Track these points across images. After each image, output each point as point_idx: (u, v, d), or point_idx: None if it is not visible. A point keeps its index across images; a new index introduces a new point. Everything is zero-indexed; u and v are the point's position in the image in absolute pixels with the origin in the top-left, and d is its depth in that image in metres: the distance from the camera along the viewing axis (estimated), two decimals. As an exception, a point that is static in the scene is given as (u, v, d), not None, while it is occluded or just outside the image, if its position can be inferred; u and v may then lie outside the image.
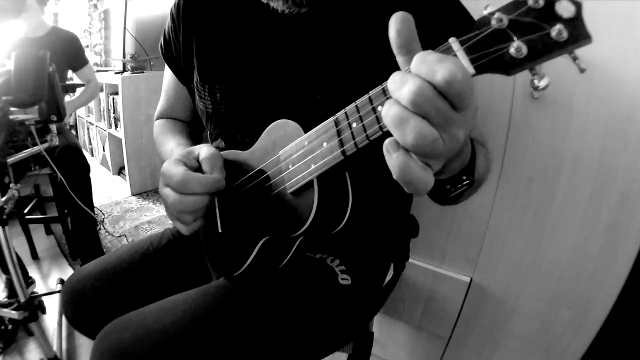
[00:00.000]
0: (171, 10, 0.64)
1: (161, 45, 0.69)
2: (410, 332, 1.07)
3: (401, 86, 0.27)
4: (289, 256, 0.52)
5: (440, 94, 0.26)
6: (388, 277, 0.73)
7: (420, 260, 0.98)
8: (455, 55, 0.28)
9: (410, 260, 0.87)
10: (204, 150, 0.50)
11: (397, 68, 0.30)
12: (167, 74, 0.72)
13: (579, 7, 0.25)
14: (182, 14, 0.62)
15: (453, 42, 0.28)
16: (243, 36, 0.57)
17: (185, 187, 0.45)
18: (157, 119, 0.77)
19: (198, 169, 0.49)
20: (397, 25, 0.29)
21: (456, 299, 0.93)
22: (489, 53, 0.27)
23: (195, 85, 0.62)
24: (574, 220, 0.76)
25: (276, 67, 0.55)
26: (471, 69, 0.28)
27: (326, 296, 0.56)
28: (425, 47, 0.29)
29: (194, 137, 0.72)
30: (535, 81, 0.27)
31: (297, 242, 0.51)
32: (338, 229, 0.44)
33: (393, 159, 0.29)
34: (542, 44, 0.26)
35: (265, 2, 0.53)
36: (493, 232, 0.86)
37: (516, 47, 0.26)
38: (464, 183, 0.41)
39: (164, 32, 0.68)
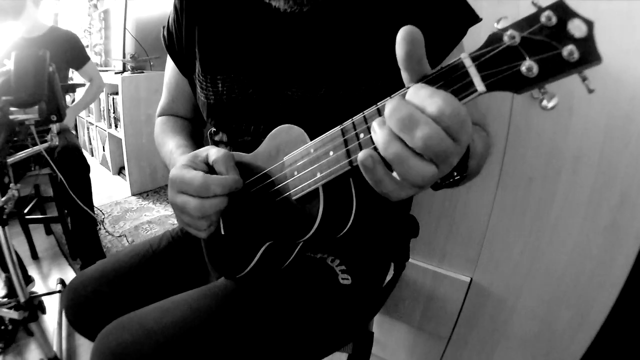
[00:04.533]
0: (174, 1, 0.65)
1: (164, 36, 0.69)
2: (410, 332, 1.07)
3: (412, 128, 0.27)
4: (290, 258, 0.52)
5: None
6: (388, 277, 0.73)
7: (420, 260, 0.98)
8: (466, 71, 0.28)
9: (410, 260, 0.87)
10: (213, 152, 0.49)
11: (396, 65, 0.30)
12: (169, 68, 0.72)
13: (590, 26, 0.25)
14: (185, 4, 0.62)
15: (465, 57, 0.28)
16: (245, 27, 0.58)
17: (207, 190, 0.45)
18: (159, 115, 0.77)
19: (207, 172, 0.49)
20: (407, 47, 0.29)
21: (456, 299, 0.93)
22: (500, 71, 0.27)
23: (196, 76, 0.62)
24: (574, 220, 0.76)
25: (278, 58, 0.55)
26: (482, 87, 0.28)
27: (327, 296, 0.56)
28: (430, 44, 0.29)
29: (195, 136, 0.72)
30: (545, 101, 0.27)
31: (299, 245, 0.51)
32: (340, 235, 0.45)
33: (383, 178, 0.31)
34: (553, 64, 0.26)
35: (267, 1, 0.53)
36: (493, 232, 0.86)
37: (527, 66, 0.26)
38: (455, 179, 0.42)
39: (167, 23, 0.68)
